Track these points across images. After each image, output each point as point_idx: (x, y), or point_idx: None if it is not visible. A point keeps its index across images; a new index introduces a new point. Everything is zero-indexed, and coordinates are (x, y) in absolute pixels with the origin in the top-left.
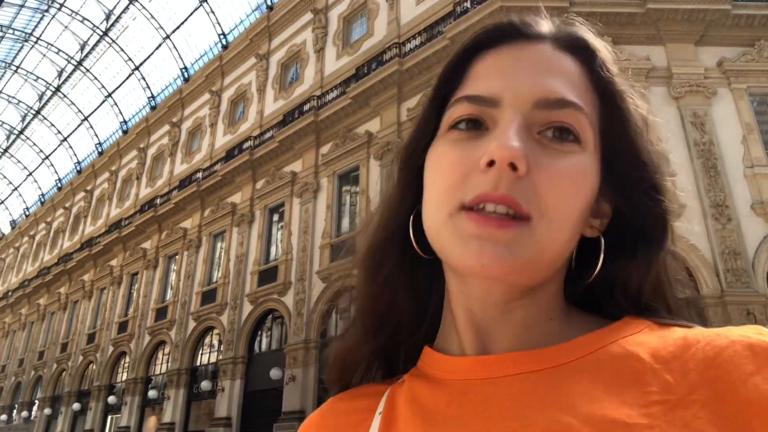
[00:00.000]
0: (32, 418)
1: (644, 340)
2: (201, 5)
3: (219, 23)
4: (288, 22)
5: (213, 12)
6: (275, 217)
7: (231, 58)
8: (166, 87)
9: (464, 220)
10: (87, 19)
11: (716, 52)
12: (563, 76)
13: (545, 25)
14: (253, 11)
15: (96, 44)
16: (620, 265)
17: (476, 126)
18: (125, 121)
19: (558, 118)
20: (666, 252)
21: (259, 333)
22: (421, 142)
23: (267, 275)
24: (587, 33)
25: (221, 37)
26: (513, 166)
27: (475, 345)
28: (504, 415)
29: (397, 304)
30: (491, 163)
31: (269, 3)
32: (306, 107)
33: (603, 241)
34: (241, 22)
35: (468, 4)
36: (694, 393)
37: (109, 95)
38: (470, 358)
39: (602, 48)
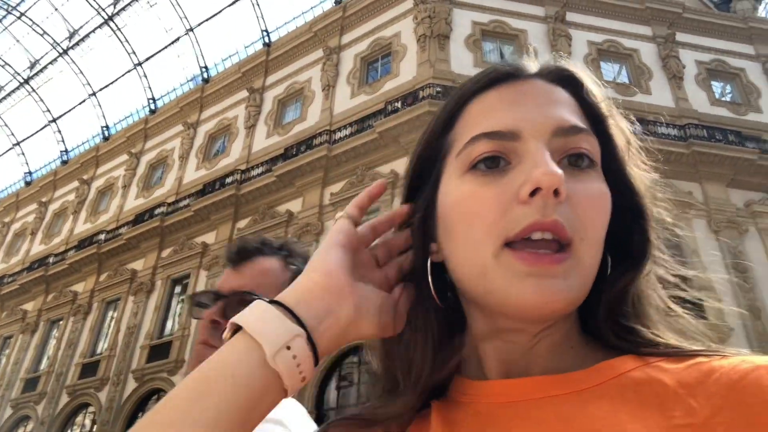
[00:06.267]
0: None
1: (668, 366)
2: (135, 68)
3: (150, 87)
4: (222, 96)
5: (146, 76)
6: (177, 289)
7: (157, 122)
8: (83, 143)
9: (514, 260)
10: (9, 65)
11: (744, 195)
12: (566, 104)
13: (534, 65)
14: (188, 81)
15: (14, 91)
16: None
17: (494, 163)
18: (30, 173)
19: (574, 145)
20: (648, 277)
21: (141, 414)
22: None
23: (159, 351)
24: (572, 66)
25: (150, 101)
26: (555, 192)
27: (498, 371)
28: None
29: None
30: (533, 193)
31: (205, 76)
32: (229, 180)
33: (609, 257)
34: (174, 90)
35: (399, 105)
36: (717, 416)
37: (18, 144)
38: (494, 381)
39: (587, 77)
